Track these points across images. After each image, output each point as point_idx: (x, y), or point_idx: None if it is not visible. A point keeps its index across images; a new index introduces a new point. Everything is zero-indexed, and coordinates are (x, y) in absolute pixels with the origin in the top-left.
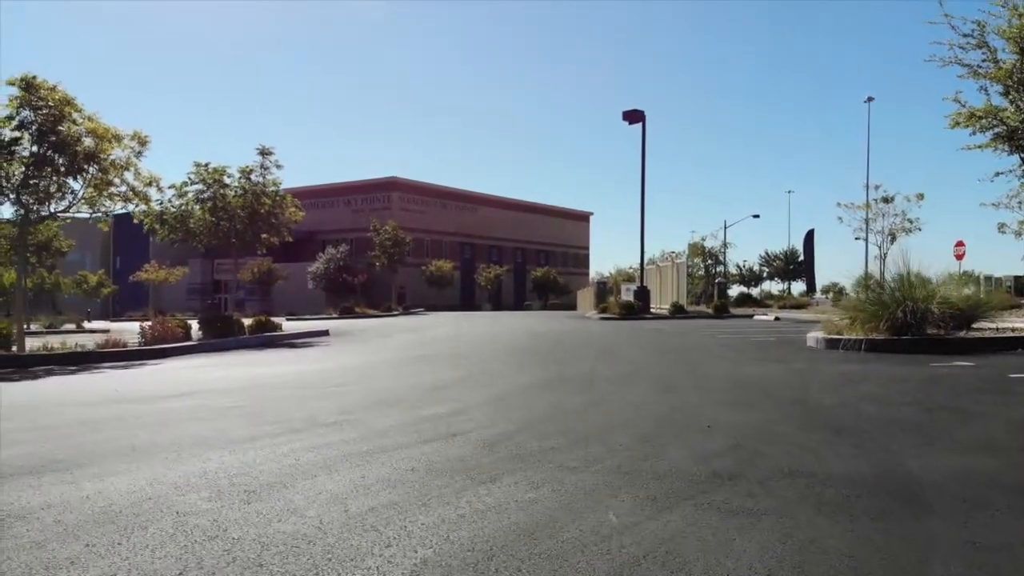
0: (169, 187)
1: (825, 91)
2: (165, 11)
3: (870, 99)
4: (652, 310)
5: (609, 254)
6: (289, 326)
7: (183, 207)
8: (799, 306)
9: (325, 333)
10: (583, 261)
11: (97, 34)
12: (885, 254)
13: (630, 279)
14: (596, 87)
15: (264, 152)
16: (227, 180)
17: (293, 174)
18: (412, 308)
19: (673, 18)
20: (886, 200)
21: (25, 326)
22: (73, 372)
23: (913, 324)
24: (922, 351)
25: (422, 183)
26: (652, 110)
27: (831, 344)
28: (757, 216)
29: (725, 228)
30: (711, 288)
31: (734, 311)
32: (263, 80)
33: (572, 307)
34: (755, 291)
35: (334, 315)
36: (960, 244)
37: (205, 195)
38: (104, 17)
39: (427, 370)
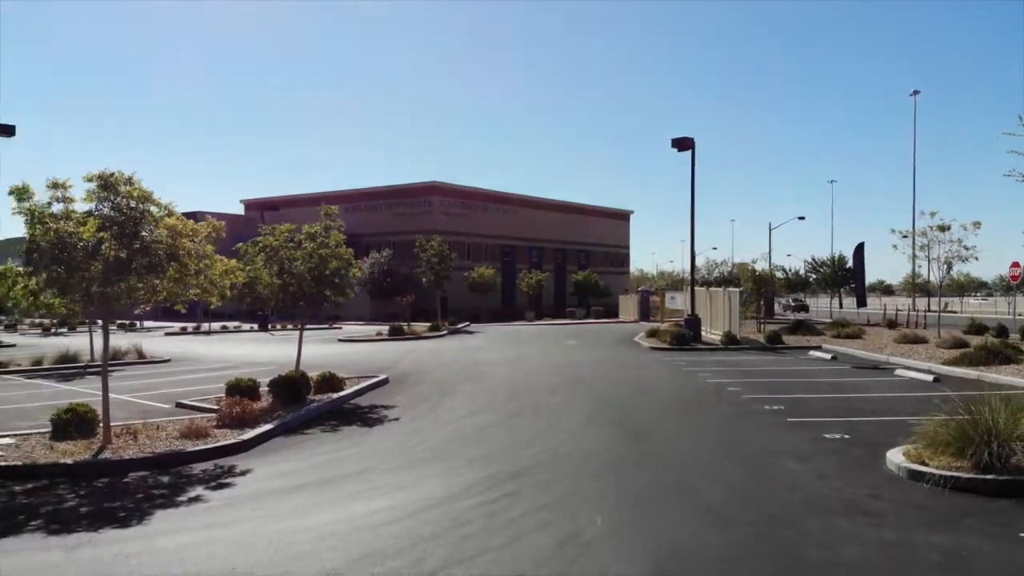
0: (236, 246)
1: (871, 84)
2: (201, 10)
3: (916, 93)
4: (703, 337)
5: (646, 247)
6: (342, 357)
7: (251, 273)
8: (853, 336)
9: (385, 382)
10: (623, 260)
11: (109, 36)
12: (942, 281)
13: (674, 286)
14: (630, 84)
15: (328, 213)
16: (292, 243)
17: (334, 177)
18: (458, 324)
19: (706, 15)
20: (942, 228)
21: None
22: (168, 492)
23: (998, 465)
24: (1009, 495)
25: (462, 187)
26: (689, 100)
27: (914, 476)
28: (803, 218)
29: (770, 230)
30: (762, 303)
31: (787, 339)
32: (294, 81)
33: (614, 313)
34: (800, 296)
35: (383, 333)
36: (1015, 265)
37: (273, 257)
38: (116, 17)
39: (516, 524)
